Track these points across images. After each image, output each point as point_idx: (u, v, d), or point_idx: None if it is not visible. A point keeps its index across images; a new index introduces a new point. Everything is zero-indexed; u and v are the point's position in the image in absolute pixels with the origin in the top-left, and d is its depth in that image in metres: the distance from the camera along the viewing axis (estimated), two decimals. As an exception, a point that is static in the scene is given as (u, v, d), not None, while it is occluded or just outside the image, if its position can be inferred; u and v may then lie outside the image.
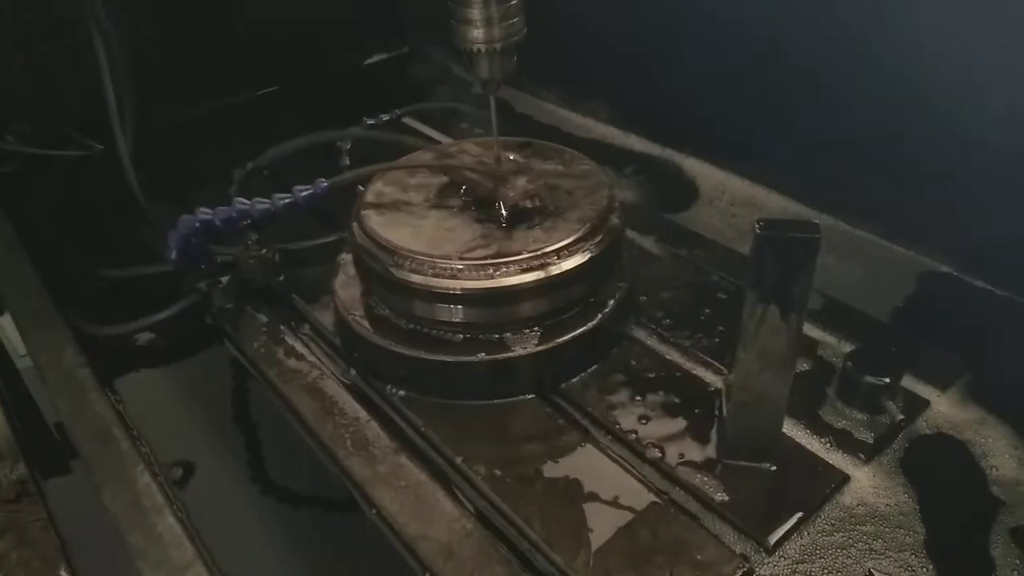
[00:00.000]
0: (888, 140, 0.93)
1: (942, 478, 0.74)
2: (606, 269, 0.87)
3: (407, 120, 1.38)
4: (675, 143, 1.22)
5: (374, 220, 0.86)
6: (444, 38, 0.83)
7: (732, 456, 0.74)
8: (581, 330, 0.84)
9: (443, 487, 0.75)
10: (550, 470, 0.75)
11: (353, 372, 0.89)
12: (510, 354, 0.81)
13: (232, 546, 0.76)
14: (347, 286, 0.92)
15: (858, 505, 0.71)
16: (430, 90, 1.55)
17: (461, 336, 0.83)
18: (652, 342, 0.89)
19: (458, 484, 0.76)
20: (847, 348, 0.85)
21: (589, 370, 0.85)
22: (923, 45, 0.86)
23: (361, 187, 0.93)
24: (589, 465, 0.75)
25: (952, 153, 0.87)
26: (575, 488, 0.73)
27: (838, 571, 0.66)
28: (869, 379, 0.77)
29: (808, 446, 0.76)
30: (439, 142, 1.29)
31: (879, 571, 0.66)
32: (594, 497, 0.72)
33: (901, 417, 0.77)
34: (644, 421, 0.79)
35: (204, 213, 0.91)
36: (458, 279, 0.80)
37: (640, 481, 0.73)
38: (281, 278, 1.01)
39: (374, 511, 0.74)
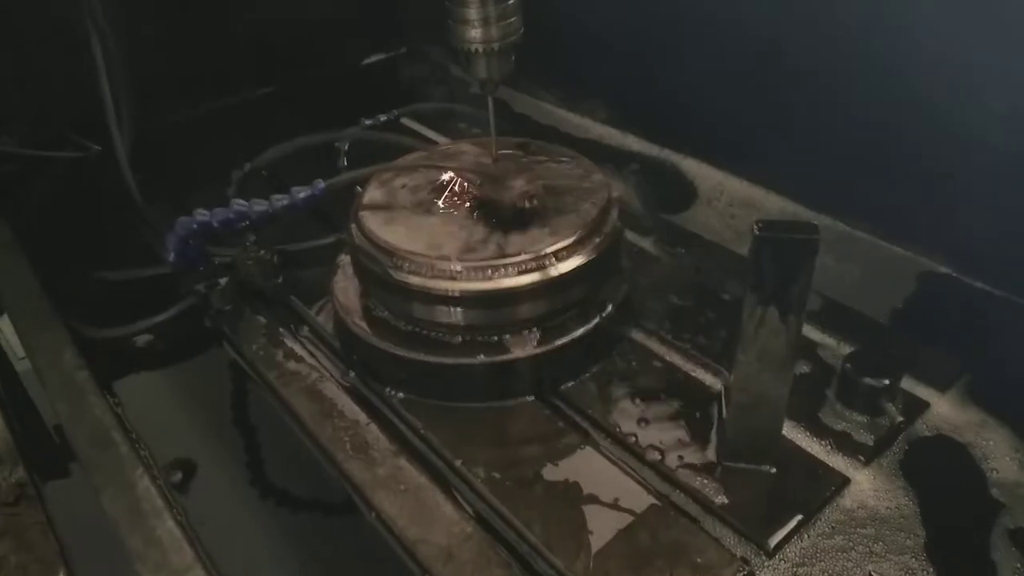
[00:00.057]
0: (887, 141, 0.93)
1: (942, 480, 0.74)
2: (605, 270, 0.87)
3: (405, 121, 1.38)
4: (673, 143, 1.22)
5: (372, 221, 0.86)
6: (443, 38, 0.82)
7: (732, 458, 0.73)
8: (580, 332, 0.84)
9: (443, 490, 0.75)
10: (550, 473, 0.75)
11: (352, 374, 0.89)
12: (509, 356, 0.81)
13: (231, 550, 0.76)
14: (346, 288, 0.92)
15: (858, 508, 0.71)
16: (428, 90, 1.55)
17: (460, 338, 0.83)
18: (651, 344, 0.89)
19: (458, 487, 0.76)
20: (846, 350, 0.85)
21: (589, 372, 0.85)
22: (923, 45, 0.86)
23: (359, 188, 0.93)
24: (589, 468, 0.75)
25: (951, 154, 0.87)
26: (575, 491, 0.73)
27: (838, 574, 0.66)
28: (868, 381, 0.77)
29: (808, 448, 0.76)
30: (437, 143, 1.29)
31: (879, 574, 0.66)
32: (594, 500, 0.72)
33: (901, 419, 0.77)
34: (644, 423, 0.79)
35: (202, 215, 0.91)
36: (457, 281, 0.79)
37: (640, 484, 0.73)
38: (280, 280, 1.01)
39: (373, 514, 0.74)
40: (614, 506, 0.71)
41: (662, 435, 0.78)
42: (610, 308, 0.86)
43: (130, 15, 1.24)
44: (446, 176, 0.90)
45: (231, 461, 0.89)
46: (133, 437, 0.84)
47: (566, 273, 0.81)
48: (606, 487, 0.73)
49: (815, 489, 0.72)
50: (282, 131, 1.10)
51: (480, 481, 0.75)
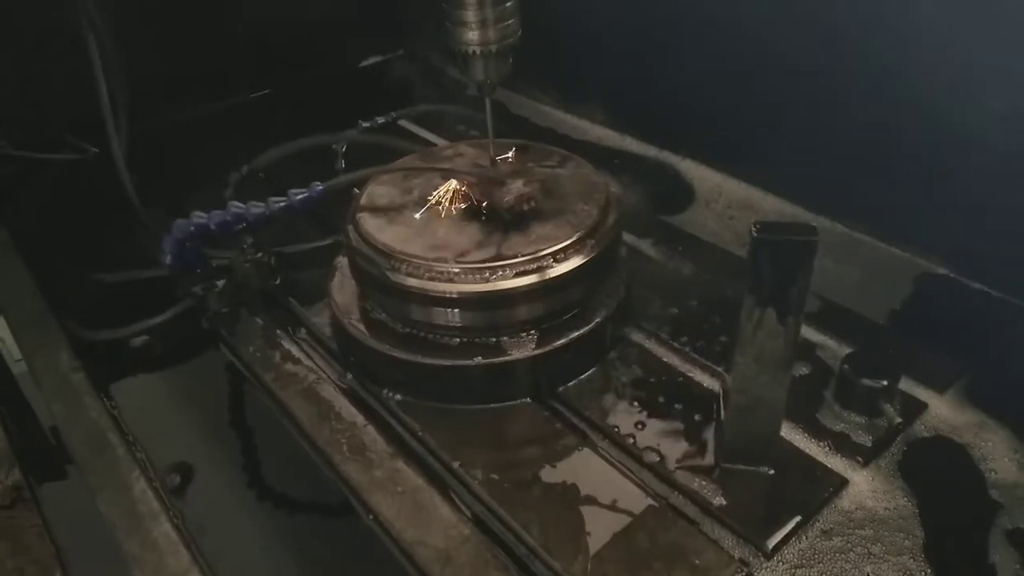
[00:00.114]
0: (885, 142, 0.93)
1: (941, 481, 0.74)
2: (603, 272, 0.87)
3: (403, 122, 1.38)
4: (671, 145, 1.22)
5: (370, 223, 0.86)
6: (441, 40, 0.82)
7: (730, 460, 0.73)
8: (578, 333, 0.83)
9: (440, 492, 0.75)
10: (547, 474, 0.75)
11: (349, 376, 0.89)
12: (507, 358, 0.81)
13: (228, 552, 0.76)
14: (343, 290, 0.92)
15: (856, 509, 0.71)
16: (426, 92, 1.54)
17: (458, 340, 0.83)
18: (649, 345, 0.89)
19: (455, 489, 0.76)
20: (844, 351, 0.85)
21: (586, 374, 0.85)
22: (923, 45, 0.86)
23: (356, 190, 0.93)
24: (587, 469, 0.75)
25: (949, 155, 0.87)
26: (573, 493, 0.73)
27: (837, 575, 0.66)
28: (867, 382, 0.77)
29: (806, 449, 0.76)
30: (435, 145, 1.29)
31: (878, 575, 0.66)
32: (592, 501, 0.72)
33: (899, 420, 0.77)
34: (641, 425, 0.79)
35: (199, 217, 0.91)
36: (454, 283, 0.79)
37: (638, 485, 0.73)
38: (277, 282, 1.01)
39: (371, 516, 0.74)
40: (612, 508, 0.71)
41: (660, 437, 0.77)
42: (608, 310, 0.86)
43: (127, 16, 1.23)
44: (444, 178, 0.90)
45: (228, 463, 0.89)
46: (130, 439, 0.83)
47: (564, 275, 0.81)
48: (604, 489, 0.73)
49: (813, 490, 0.72)
50: (279, 133, 1.10)
51: (478, 483, 0.74)
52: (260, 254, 0.98)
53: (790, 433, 0.77)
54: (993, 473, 0.74)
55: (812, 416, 0.79)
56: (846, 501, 0.72)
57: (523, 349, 0.82)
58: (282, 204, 0.91)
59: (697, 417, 0.79)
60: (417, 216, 0.87)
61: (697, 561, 0.66)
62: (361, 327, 0.87)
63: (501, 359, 0.81)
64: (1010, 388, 0.81)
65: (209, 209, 0.92)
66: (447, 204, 0.88)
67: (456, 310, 0.81)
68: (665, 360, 0.87)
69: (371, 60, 1.69)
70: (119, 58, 1.18)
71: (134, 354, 1.00)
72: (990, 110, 0.82)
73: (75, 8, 1.14)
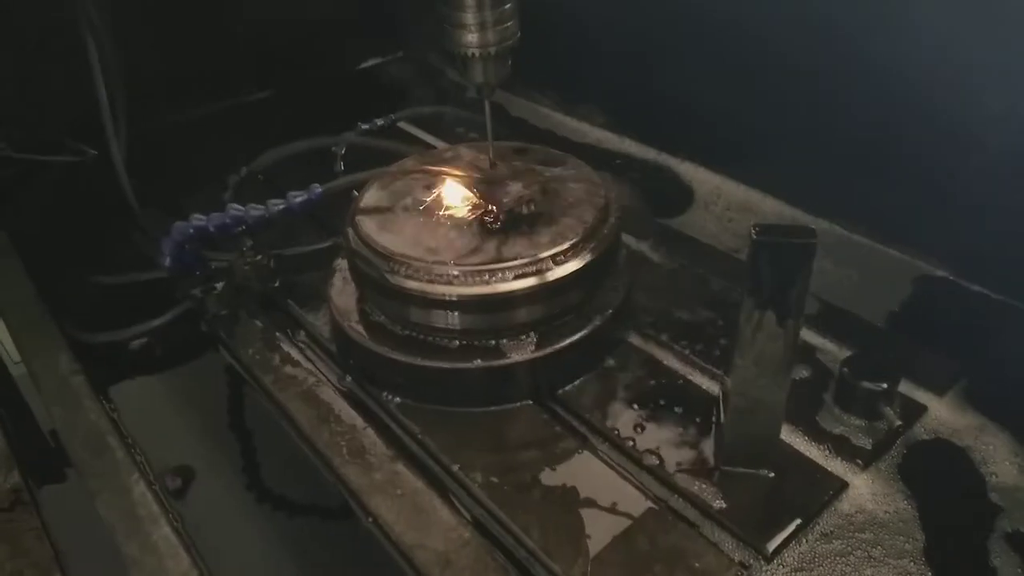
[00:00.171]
0: (885, 143, 0.93)
1: (941, 484, 0.74)
2: (602, 274, 0.87)
3: (402, 124, 1.38)
4: (670, 147, 1.22)
5: (369, 226, 0.86)
6: (439, 42, 0.82)
7: (730, 463, 0.73)
8: (578, 336, 0.83)
9: (440, 495, 0.75)
10: (547, 477, 0.75)
11: (349, 379, 0.88)
12: (506, 360, 0.81)
13: (228, 556, 0.75)
14: (342, 292, 0.92)
15: (856, 512, 0.71)
16: (425, 94, 1.54)
17: (457, 342, 0.83)
18: (649, 348, 0.89)
19: (455, 492, 0.76)
20: (844, 353, 0.85)
21: (586, 376, 0.85)
22: (922, 45, 0.86)
23: (356, 192, 0.93)
24: (586, 472, 0.75)
25: (948, 156, 0.87)
26: (572, 495, 0.73)
27: (837, 578, 0.66)
28: (866, 384, 0.77)
29: (806, 452, 0.76)
30: (434, 147, 1.29)
31: (878, 578, 0.66)
32: (592, 504, 0.72)
33: (899, 423, 0.77)
34: (641, 428, 0.79)
35: (198, 219, 0.91)
36: (454, 285, 0.79)
37: (638, 488, 0.73)
38: (276, 284, 1.01)
39: (370, 519, 0.74)
40: (612, 511, 0.71)
41: (660, 439, 0.77)
42: (607, 312, 0.86)
43: (126, 17, 1.23)
44: (443, 180, 0.90)
45: (227, 466, 0.89)
46: (129, 442, 0.83)
47: (563, 277, 0.80)
48: (604, 492, 0.73)
49: (813, 493, 0.72)
50: (279, 135, 1.10)
51: (477, 486, 0.74)
52: (259, 256, 0.98)
53: (790, 436, 0.77)
54: (993, 476, 0.74)
55: (812, 419, 0.78)
56: (846, 504, 0.72)
57: (523, 352, 0.82)
58: (281, 206, 0.91)
59: (697, 420, 0.79)
60: (416, 218, 0.87)
61: (697, 564, 0.66)
62: (360, 329, 0.87)
63: (501, 362, 0.81)
64: (1010, 391, 0.81)
65: (208, 211, 0.92)
66: (446, 206, 0.88)
67: (456, 312, 0.81)
68: (665, 363, 0.87)
69: (370, 62, 1.69)
70: (118, 59, 1.18)
71: (133, 356, 1.00)
72: (990, 111, 0.82)
73: (74, 10, 1.13)
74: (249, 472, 0.88)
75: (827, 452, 0.76)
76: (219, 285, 1.00)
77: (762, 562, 0.67)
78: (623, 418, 0.80)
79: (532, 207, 0.86)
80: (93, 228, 1.21)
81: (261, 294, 1.00)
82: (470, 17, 0.77)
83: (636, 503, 0.71)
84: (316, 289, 0.97)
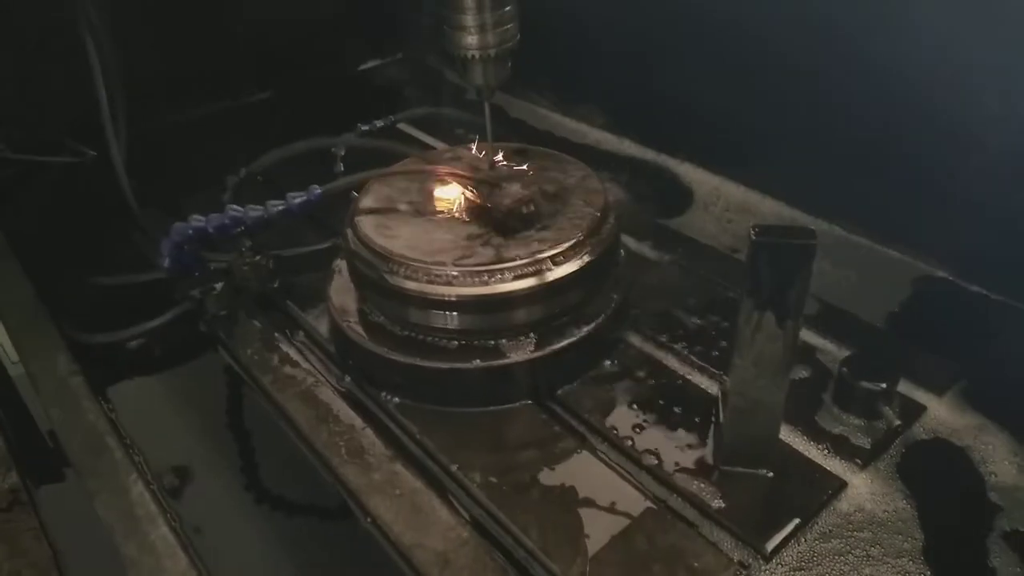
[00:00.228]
0: (884, 143, 0.93)
1: (940, 484, 0.74)
2: (601, 275, 0.87)
3: (401, 126, 1.38)
4: (669, 148, 1.22)
5: (368, 226, 0.86)
6: (439, 44, 0.82)
7: (729, 462, 0.73)
8: (577, 336, 0.83)
9: (438, 495, 0.75)
10: (546, 477, 0.75)
11: (348, 379, 0.88)
12: (505, 361, 0.81)
13: (226, 556, 0.75)
14: (342, 293, 0.92)
15: (855, 511, 0.71)
16: (424, 96, 1.55)
17: (456, 343, 0.83)
18: (648, 348, 0.89)
19: (453, 492, 0.76)
20: (843, 354, 0.85)
21: (585, 376, 0.85)
22: (921, 46, 0.86)
23: (355, 193, 0.93)
24: (585, 472, 0.75)
25: (948, 157, 0.87)
26: (571, 495, 0.73)
27: (836, 578, 0.66)
28: (865, 384, 0.77)
29: (805, 452, 0.76)
30: (433, 148, 1.29)
31: (877, 578, 0.66)
32: (590, 504, 0.72)
33: (898, 423, 0.77)
34: (640, 428, 0.79)
35: (197, 220, 0.91)
36: (453, 286, 0.79)
37: (637, 488, 0.73)
38: (275, 285, 1.01)
39: (369, 519, 0.74)
40: (611, 510, 0.71)
41: (659, 439, 0.77)
42: (606, 313, 0.86)
43: (126, 17, 1.23)
44: (442, 182, 0.90)
45: (226, 466, 0.89)
46: (127, 443, 0.83)
47: (562, 278, 0.81)
48: (603, 491, 0.73)
49: (812, 493, 0.72)
50: (278, 135, 1.10)
51: (476, 486, 0.74)
52: (258, 257, 0.98)
53: (789, 436, 0.77)
54: (993, 476, 0.74)
55: (811, 419, 0.78)
56: (845, 504, 0.72)
57: (522, 352, 0.82)
58: (280, 207, 0.91)
59: (696, 420, 0.79)
60: (416, 219, 0.87)
61: (696, 563, 0.66)
62: (359, 330, 0.87)
63: (500, 362, 0.81)
64: (1010, 391, 0.81)
65: (207, 212, 0.91)
66: (446, 207, 0.88)
67: (455, 313, 0.81)
68: (664, 363, 0.87)
69: (370, 63, 1.69)
70: (118, 59, 1.18)
71: (132, 357, 1.00)
72: (990, 111, 0.82)
73: (73, 10, 1.13)
74: (248, 472, 0.88)
75: (826, 452, 0.76)
76: (218, 286, 1.00)
77: (761, 561, 0.67)
78: (622, 418, 0.80)
79: (531, 208, 0.86)
80: (92, 229, 1.21)
81: (260, 295, 1.00)
82: (470, 19, 0.77)
83: (635, 503, 0.71)
84: (315, 290, 0.97)
